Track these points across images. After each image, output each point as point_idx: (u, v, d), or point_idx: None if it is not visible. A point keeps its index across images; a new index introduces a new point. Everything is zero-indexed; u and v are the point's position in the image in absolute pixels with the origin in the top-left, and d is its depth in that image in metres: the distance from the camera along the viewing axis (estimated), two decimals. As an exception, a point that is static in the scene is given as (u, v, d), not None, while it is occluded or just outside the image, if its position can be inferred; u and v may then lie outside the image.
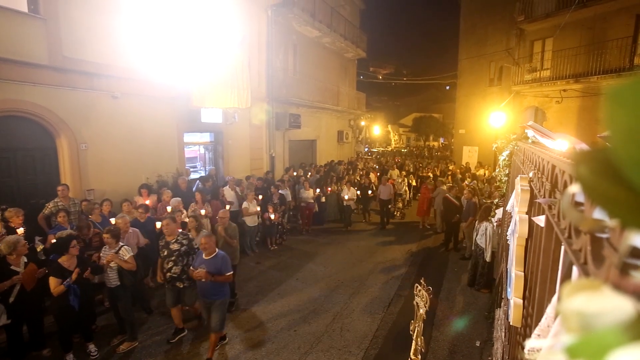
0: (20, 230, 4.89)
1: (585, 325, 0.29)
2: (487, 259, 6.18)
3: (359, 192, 11.17)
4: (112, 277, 4.47)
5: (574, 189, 0.61)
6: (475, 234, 6.59)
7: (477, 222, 6.62)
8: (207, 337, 4.66)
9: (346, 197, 10.41)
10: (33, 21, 6.12)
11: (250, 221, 8.09)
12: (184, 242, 4.75)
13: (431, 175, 14.25)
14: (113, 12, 7.12)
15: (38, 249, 4.99)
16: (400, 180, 12.69)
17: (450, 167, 16.00)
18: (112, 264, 4.43)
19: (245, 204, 8.01)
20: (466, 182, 11.79)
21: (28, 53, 6.03)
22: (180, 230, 4.91)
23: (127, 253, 4.54)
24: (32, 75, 6.11)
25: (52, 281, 3.98)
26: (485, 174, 13.26)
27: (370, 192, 11.43)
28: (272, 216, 8.35)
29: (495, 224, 6.06)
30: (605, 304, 0.29)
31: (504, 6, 15.33)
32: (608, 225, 0.50)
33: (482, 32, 16.75)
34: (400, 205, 12.31)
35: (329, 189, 11.00)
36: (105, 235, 4.55)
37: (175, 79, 8.27)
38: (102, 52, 7.02)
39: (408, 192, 13.49)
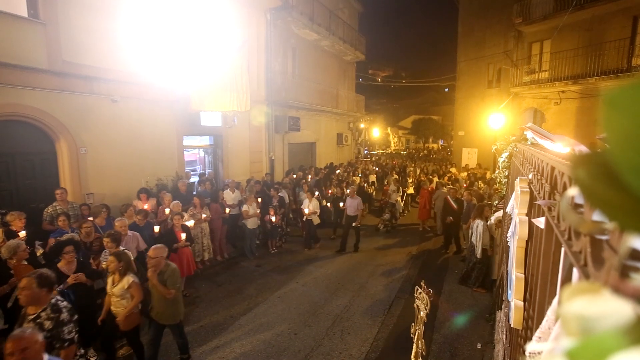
0: (22, 234, 4.89)
1: (585, 329, 0.29)
2: (478, 255, 6.22)
3: (329, 204, 9.91)
4: (112, 281, 4.44)
5: (573, 191, 0.62)
6: (470, 232, 6.63)
7: (471, 221, 6.66)
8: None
9: (306, 211, 8.71)
10: (33, 26, 6.14)
11: (251, 224, 8.09)
12: (47, 323, 2.74)
13: (435, 179, 12.88)
14: (112, 16, 7.14)
15: (38, 253, 4.98)
16: (394, 189, 11.04)
17: (452, 170, 15.97)
18: (112, 268, 4.41)
19: (245, 207, 8.01)
20: (463, 182, 11.72)
21: (28, 57, 6.04)
22: (55, 298, 2.96)
23: (127, 257, 4.52)
24: (31, 79, 6.12)
25: None
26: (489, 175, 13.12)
27: (342, 204, 9.35)
28: (273, 218, 8.34)
29: (492, 221, 6.07)
30: (605, 308, 0.29)
31: (501, 9, 15.41)
32: (607, 227, 0.50)
33: (481, 34, 16.82)
34: (388, 216, 10.70)
35: (330, 191, 10.96)
36: (105, 240, 4.54)
37: (175, 83, 8.28)
38: (102, 56, 7.04)
39: (400, 201, 11.62)
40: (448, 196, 8.91)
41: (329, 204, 10.35)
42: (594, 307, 0.30)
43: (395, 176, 13.65)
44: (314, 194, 9.98)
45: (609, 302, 0.30)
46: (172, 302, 4.08)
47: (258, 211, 8.19)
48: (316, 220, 8.91)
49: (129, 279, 3.99)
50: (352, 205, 8.74)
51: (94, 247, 5.17)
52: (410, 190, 13.29)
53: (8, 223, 4.97)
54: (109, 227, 5.52)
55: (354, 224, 8.71)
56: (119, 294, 3.96)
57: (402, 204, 11.93)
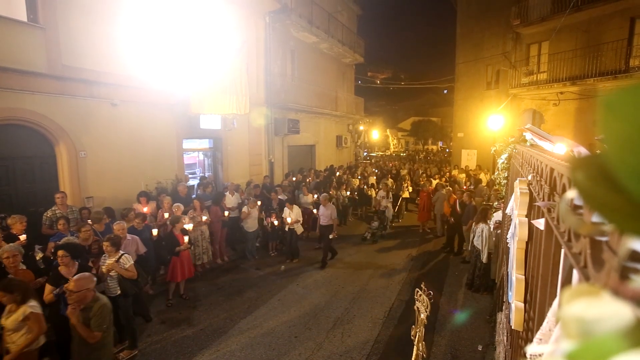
0: (23, 237, 4.88)
1: (585, 332, 0.29)
2: (484, 260, 6.20)
3: (315, 211, 9.37)
4: (112, 286, 4.44)
5: (572, 193, 0.62)
6: (472, 235, 6.60)
7: (474, 224, 6.64)
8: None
9: (289, 220, 8.02)
10: (32, 30, 6.15)
11: (251, 226, 8.07)
12: None
13: (435, 181, 12.46)
14: (112, 20, 7.16)
15: (37, 257, 4.97)
16: (383, 195, 10.44)
17: (453, 172, 15.91)
18: (112, 273, 4.41)
19: (245, 208, 8.01)
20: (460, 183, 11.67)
21: (27, 62, 6.05)
22: None
23: (127, 261, 4.51)
24: (31, 83, 6.13)
25: (47, 288, 3.98)
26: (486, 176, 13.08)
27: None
28: (276, 222, 8.32)
29: (492, 225, 6.06)
30: (604, 310, 0.29)
31: (499, 11, 15.46)
32: (607, 228, 0.50)
33: (479, 36, 16.87)
34: (377, 224, 10.00)
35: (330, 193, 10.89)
36: (105, 244, 4.52)
37: (174, 86, 8.29)
38: (101, 60, 7.05)
39: (391, 208, 10.95)
40: (456, 200, 8.85)
41: (315, 210, 9.81)
42: (593, 310, 0.30)
43: (391, 180, 13.05)
44: (314, 197, 9.99)
45: (609, 305, 0.30)
46: (97, 346, 3.17)
47: (258, 213, 8.19)
48: (299, 229, 8.39)
49: (26, 309, 3.22)
50: (324, 214, 8.14)
51: (93, 251, 5.17)
52: (406, 194, 12.86)
53: (9, 227, 4.97)
54: (109, 232, 5.53)
55: (330, 236, 7.98)
56: (12, 327, 3.21)
57: (392, 211, 11.24)
